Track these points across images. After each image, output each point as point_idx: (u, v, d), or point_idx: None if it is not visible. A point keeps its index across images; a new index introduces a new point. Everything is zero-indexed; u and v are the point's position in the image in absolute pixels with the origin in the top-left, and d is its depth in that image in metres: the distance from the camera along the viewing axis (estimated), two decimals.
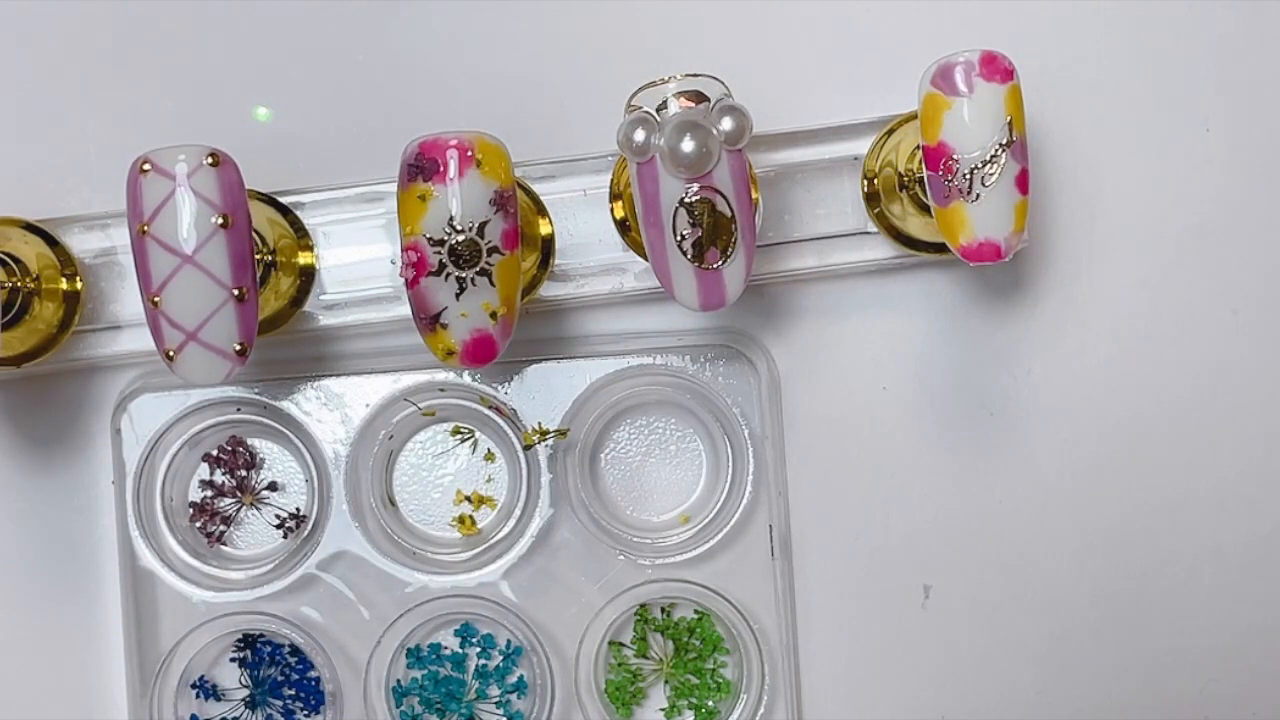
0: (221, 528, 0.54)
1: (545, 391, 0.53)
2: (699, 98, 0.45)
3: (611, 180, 0.51)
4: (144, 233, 0.44)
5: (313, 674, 0.54)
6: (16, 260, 0.50)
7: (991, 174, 0.45)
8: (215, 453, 0.54)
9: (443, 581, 0.54)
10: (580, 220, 0.52)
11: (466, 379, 0.53)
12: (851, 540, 0.54)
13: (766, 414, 0.53)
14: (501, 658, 0.54)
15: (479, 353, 0.46)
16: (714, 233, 0.46)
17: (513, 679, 0.54)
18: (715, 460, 0.54)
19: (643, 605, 0.54)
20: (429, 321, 0.45)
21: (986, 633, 0.54)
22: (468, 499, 0.54)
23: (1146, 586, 0.54)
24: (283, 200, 0.52)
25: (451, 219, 0.44)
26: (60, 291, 0.51)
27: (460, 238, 0.44)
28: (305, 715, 0.54)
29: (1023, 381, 0.54)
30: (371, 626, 0.53)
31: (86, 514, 0.54)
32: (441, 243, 0.44)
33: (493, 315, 0.45)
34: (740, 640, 0.53)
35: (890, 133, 0.51)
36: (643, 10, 0.54)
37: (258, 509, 0.55)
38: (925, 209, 0.49)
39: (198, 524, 0.54)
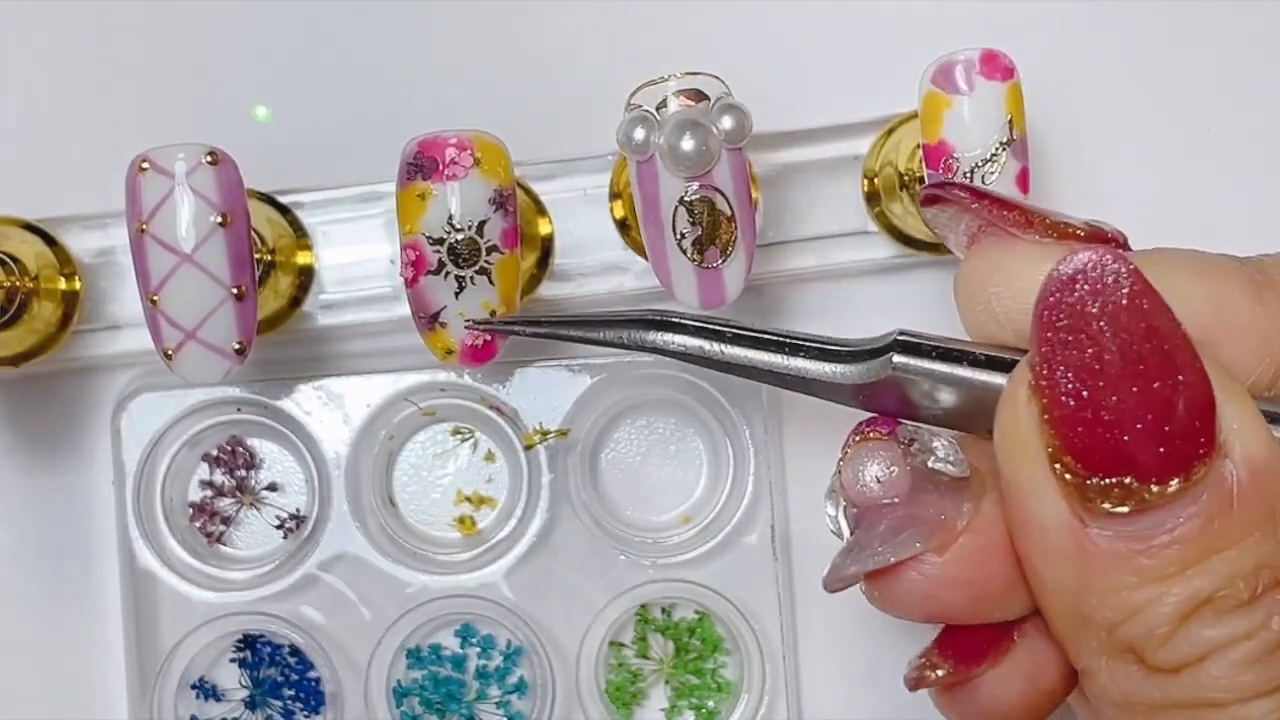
0: (221, 528, 0.54)
1: (546, 391, 0.53)
2: (699, 96, 0.45)
3: (611, 179, 0.51)
4: (143, 231, 0.44)
5: (313, 674, 0.54)
6: (15, 260, 0.49)
7: (992, 172, 0.45)
8: (215, 453, 0.54)
9: (443, 582, 0.53)
10: (580, 219, 0.52)
11: (467, 379, 0.53)
12: None
13: (766, 414, 0.53)
14: (502, 658, 0.54)
15: (478, 352, 0.46)
16: (714, 232, 0.45)
17: (513, 679, 0.54)
18: (715, 460, 0.54)
19: (643, 605, 0.54)
20: (428, 320, 0.45)
21: None
22: (468, 499, 0.54)
23: None
24: (282, 199, 0.52)
25: (451, 218, 0.44)
26: (59, 291, 0.51)
27: (459, 236, 0.44)
28: (305, 716, 0.54)
29: None
30: (372, 627, 0.53)
31: (86, 514, 0.54)
32: (441, 241, 0.44)
33: (492, 314, 0.45)
34: (741, 640, 0.53)
35: (891, 132, 0.51)
36: (643, 10, 0.54)
37: (257, 509, 0.54)
38: None
39: (197, 524, 0.54)
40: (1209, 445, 0.31)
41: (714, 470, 0.54)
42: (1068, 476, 0.32)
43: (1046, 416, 0.32)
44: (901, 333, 0.37)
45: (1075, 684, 0.37)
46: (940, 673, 0.37)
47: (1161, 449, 0.31)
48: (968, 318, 0.38)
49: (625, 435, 0.55)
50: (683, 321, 0.39)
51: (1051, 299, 0.32)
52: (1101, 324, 0.32)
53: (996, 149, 0.45)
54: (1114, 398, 0.31)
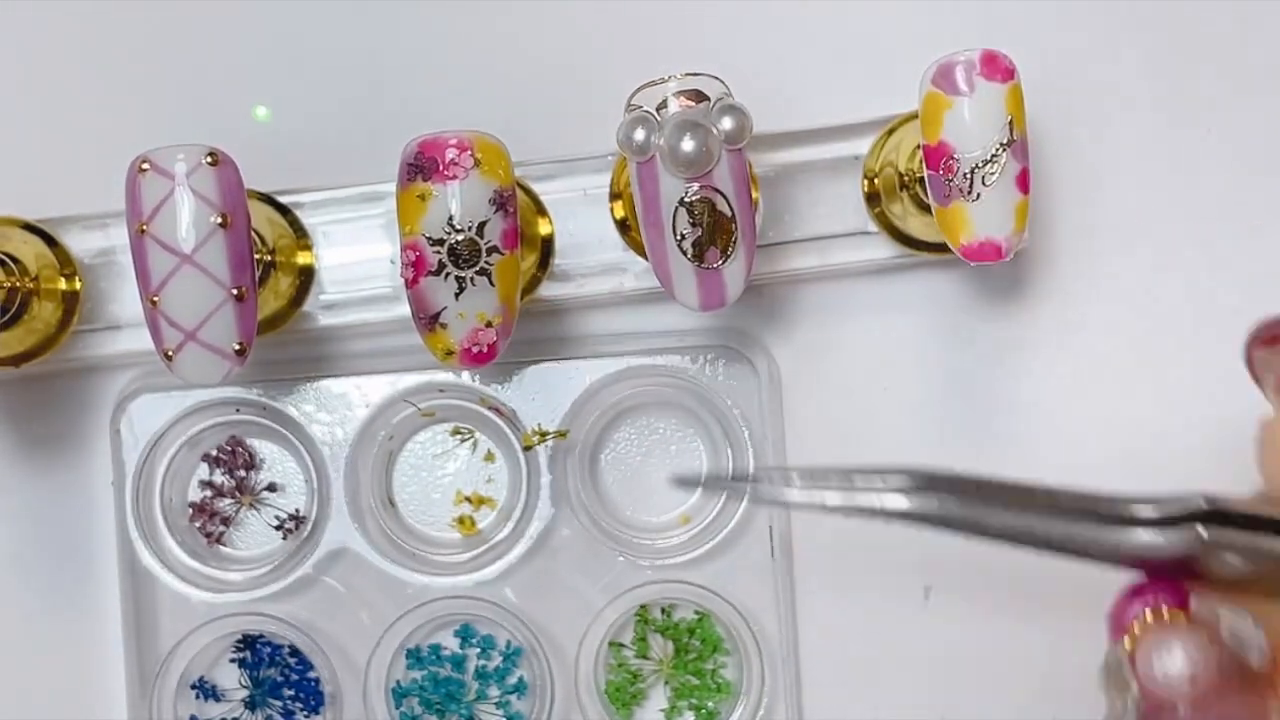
0: (220, 528, 0.54)
1: (545, 392, 0.53)
2: (699, 97, 0.45)
3: (611, 180, 0.51)
4: (143, 232, 0.44)
5: (312, 675, 0.54)
6: (15, 260, 0.49)
7: (992, 173, 0.45)
8: (214, 453, 0.54)
9: (443, 582, 0.53)
10: (580, 220, 0.52)
11: (466, 379, 0.53)
12: (851, 540, 0.54)
13: (766, 414, 0.53)
14: (501, 658, 0.54)
15: (478, 354, 0.46)
16: (714, 232, 0.45)
17: (513, 680, 0.54)
18: (715, 460, 0.54)
19: (643, 606, 0.54)
20: (428, 321, 0.45)
21: (986, 633, 0.54)
22: (468, 500, 0.54)
23: None
24: (282, 200, 0.52)
25: (451, 218, 0.44)
26: (59, 291, 0.51)
27: (460, 237, 0.44)
28: (305, 716, 0.54)
29: (1023, 381, 0.54)
30: (371, 627, 0.53)
31: (86, 515, 0.54)
32: (441, 242, 0.44)
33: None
34: (740, 641, 0.53)
35: (891, 132, 0.51)
36: (643, 10, 0.54)
37: (257, 510, 0.54)
38: (926, 208, 0.49)
39: (197, 524, 0.54)
40: None
41: (714, 470, 0.54)
42: None
43: None
44: (1207, 500, 0.33)
45: None
46: None
47: None
48: None
49: (625, 435, 0.55)
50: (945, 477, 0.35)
51: None
52: None
53: (997, 150, 0.45)
54: None
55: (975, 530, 0.34)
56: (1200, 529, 0.32)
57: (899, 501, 0.34)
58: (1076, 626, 0.54)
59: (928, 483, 0.34)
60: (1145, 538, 0.33)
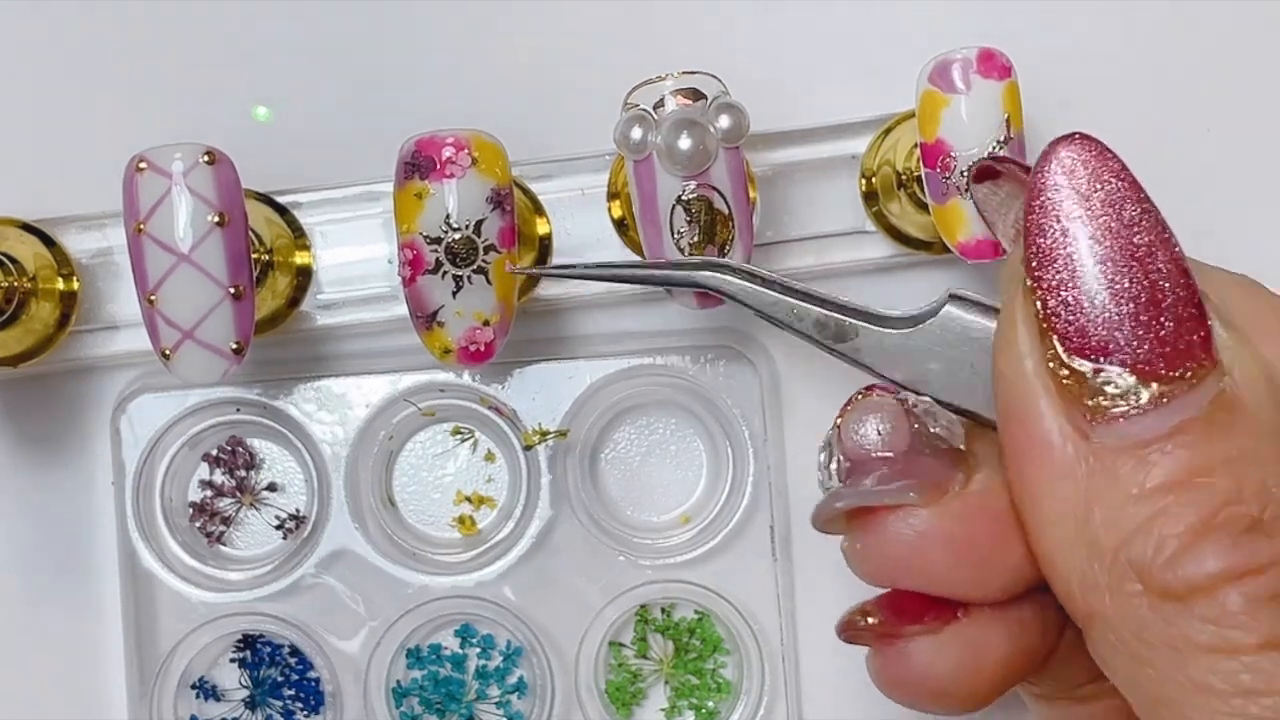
0: (221, 528, 0.54)
1: (545, 391, 0.53)
2: (696, 95, 0.45)
3: (609, 179, 0.51)
4: (140, 231, 0.44)
5: (312, 674, 0.54)
6: (13, 260, 0.50)
7: None
8: (214, 453, 0.54)
9: (443, 582, 0.53)
10: (578, 219, 0.52)
11: (466, 379, 0.53)
12: None
13: (766, 414, 0.53)
14: (501, 658, 0.54)
15: (476, 352, 0.46)
16: (711, 231, 0.45)
17: (513, 679, 0.54)
18: (715, 460, 0.54)
19: (643, 606, 0.54)
20: (426, 320, 0.45)
21: None
22: (468, 499, 0.54)
23: None
24: (280, 199, 0.52)
25: (448, 217, 0.44)
26: (57, 291, 0.51)
27: (457, 236, 0.44)
28: (305, 716, 0.54)
29: None
30: (372, 627, 0.53)
31: (85, 515, 0.54)
32: (438, 241, 0.44)
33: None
34: (740, 641, 0.53)
35: (888, 131, 0.51)
36: (641, 10, 0.54)
37: (257, 509, 0.55)
38: (923, 207, 0.49)
39: (197, 524, 0.54)
40: (1206, 341, 0.31)
41: (714, 470, 0.54)
42: (1064, 373, 0.31)
43: (1042, 308, 0.32)
44: (953, 291, 0.38)
45: (1020, 674, 0.37)
46: (871, 620, 0.37)
47: (1160, 333, 0.31)
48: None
49: (625, 435, 0.55)
50: (737, 267, 0.39)
51: (1039, 180, 0.32)
52: (1089, 201, 0.32)
53: (994, 148, 0.45)
54: (1108, 276, 0.31)
55: (756, 306, 0.38)
56: (948, 307, 0.38)
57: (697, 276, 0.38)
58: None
59: (716, 267, 0.38)
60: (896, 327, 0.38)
